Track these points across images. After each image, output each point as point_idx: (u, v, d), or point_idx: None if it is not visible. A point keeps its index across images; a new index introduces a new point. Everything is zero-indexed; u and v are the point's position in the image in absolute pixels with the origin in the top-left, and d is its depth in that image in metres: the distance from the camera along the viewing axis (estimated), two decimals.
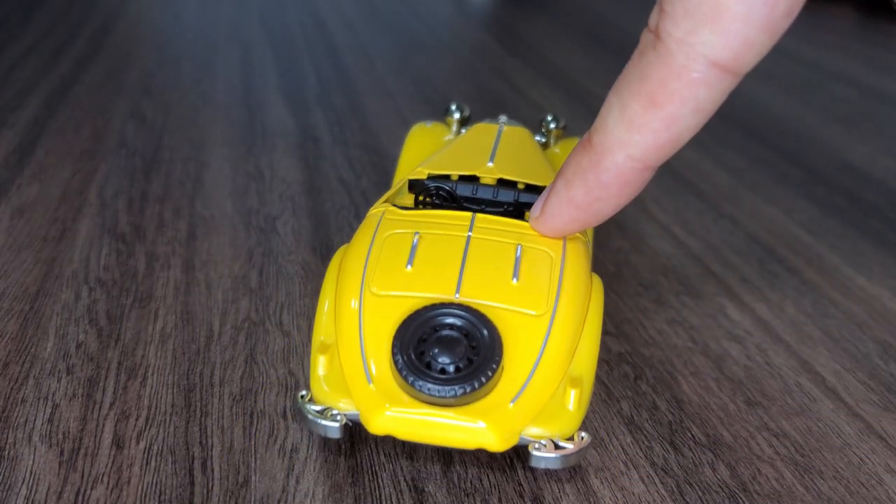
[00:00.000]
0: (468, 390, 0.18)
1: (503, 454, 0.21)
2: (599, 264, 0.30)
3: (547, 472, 0.20)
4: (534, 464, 0.19)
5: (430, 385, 0.19)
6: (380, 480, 0.20)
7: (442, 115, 0.35)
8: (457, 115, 0.32)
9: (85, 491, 0.19)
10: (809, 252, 0.32)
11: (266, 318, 0.26)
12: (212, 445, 0.21)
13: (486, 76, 0.55)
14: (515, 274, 0.21)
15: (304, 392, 0.20)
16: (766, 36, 0.18)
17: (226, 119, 0.45)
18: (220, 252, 0.30)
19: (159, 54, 0.58)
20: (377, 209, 0.24)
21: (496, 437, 0.19)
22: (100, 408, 0.22)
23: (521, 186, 0.25)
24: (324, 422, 0.19)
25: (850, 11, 0.83)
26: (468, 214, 0.23)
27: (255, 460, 0.20)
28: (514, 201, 0.25)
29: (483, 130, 0.29)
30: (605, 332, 0.26)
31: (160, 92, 0.49)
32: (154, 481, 0.20)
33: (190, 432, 0.21)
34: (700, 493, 0.20)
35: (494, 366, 0.19)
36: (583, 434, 0.19)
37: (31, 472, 0.20)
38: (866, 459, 0.21)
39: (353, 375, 0.20)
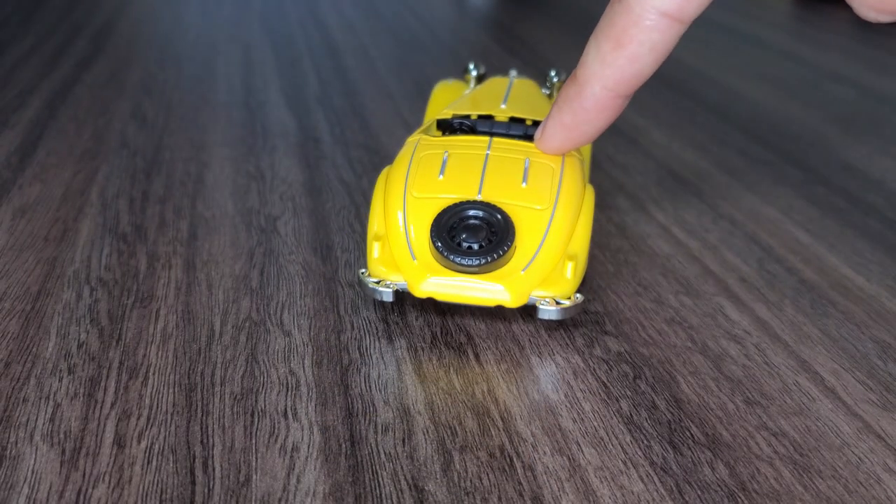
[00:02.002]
0: (489, 260, 0.24)
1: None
2: (599, 264, 0.30)
3: (546, 471, 0.20)
4: (540, 316, 0.25)
5: (460, 258, 0.24)
6: (380, 480, 0.20)
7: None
8: (474, 73, 0.38)
9: (86, 490, 0.19)
10: (808, 252, 0.32)
11: (267, 318, 0.26)
12: (213, 445, 0.21)
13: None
14: (524, 179, 0.26)
15: (363, 270, 0.26)
16: None
17: (227, 119, 0.45)
18: (221, 252, 0.30)
19: (160, 55, 0.58)
20: (413, 138, 0.29)
21: (511, 295, 0.24)
22: (101, 407, 0.22)
23: (528, 123, 0.30)
24: (380, 288, 0.25)
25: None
26: (486, 138, 0.29)
27: (256, 459, 0.20)
28: (523, 134, 0.29)
29: (497, 82, 0.35)
30: (605, 333, 0.26)
31: (161, 92, 0.49)
32: (155, 480, 0.20)
33: (191, 431, 0.21)
34: (699, 493, 0.20)
35: (509, 243, 0.25)
36: (578, 295, 0.25)
37: (32, 472, 0.20)
38: (865, 459, 0.21)
39: (400, 255, 0.25)
